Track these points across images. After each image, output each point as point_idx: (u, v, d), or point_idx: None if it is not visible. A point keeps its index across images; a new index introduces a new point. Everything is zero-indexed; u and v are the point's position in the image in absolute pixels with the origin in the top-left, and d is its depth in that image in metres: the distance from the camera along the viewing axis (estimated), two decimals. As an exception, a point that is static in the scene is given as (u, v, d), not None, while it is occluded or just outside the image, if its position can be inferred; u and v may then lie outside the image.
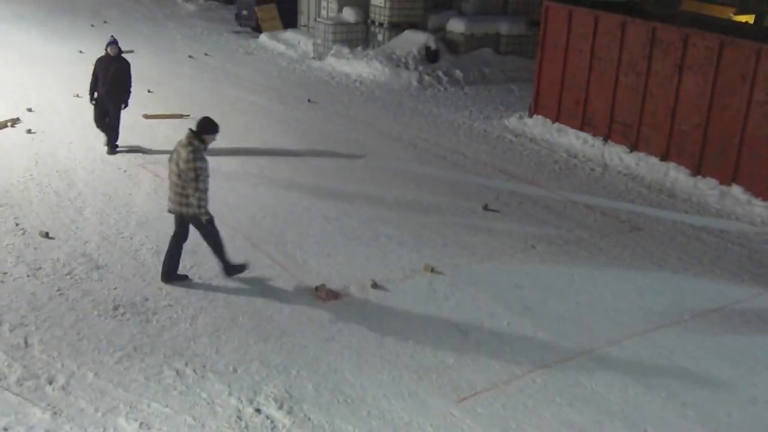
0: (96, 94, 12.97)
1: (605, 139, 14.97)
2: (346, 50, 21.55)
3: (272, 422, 6.81)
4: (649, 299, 9.42)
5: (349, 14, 22.32)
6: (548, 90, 16.21)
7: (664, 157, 13.93)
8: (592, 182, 13.47)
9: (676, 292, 9.65)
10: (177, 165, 8.60)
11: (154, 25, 25.93)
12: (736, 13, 22.30)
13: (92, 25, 24.96)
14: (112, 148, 13.14)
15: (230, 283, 9.11)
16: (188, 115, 15.65)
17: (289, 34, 24.06)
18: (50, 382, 7.14)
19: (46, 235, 10.06)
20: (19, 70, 18.48)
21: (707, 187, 13.04)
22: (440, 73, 20.06)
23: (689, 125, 13.54)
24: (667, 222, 11.87)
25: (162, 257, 9.59)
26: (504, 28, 21.65)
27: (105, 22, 25.79)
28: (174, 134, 14.43)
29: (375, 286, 9.26)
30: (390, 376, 7.57)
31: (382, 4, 21.66)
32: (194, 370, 7.46)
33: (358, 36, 22.33)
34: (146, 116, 15.41)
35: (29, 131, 14.01)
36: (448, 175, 13.30)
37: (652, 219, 11.96)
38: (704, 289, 9.80)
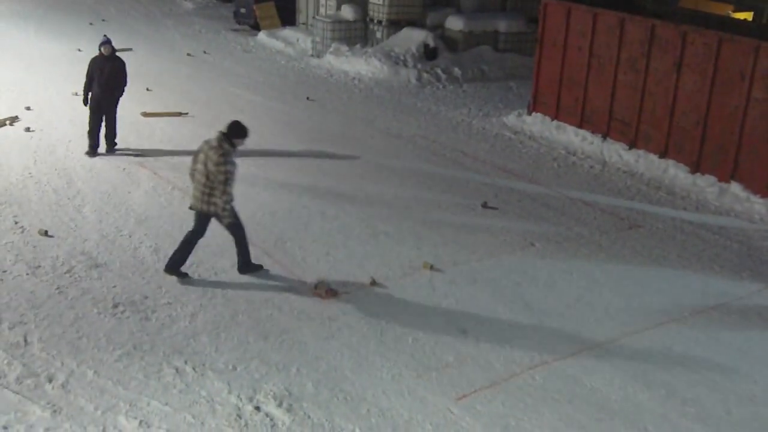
0: (90, 95, 12.79)
1: (604, 137, 14.97)
2: (344, 48, 21.54)
3: (272, 420, 6.81)
4: (648, 296, 9.43)
5: (347, 12, 22.30)
6: (547, 87, 16.20)
7: (663, 155, 13.93)
8: (591, 179, 13.48)
9: (675, 289, 9.65)
10: (205, 165, 8.66)
11: (153, 24, 25.90)
12: (735, 11, 22.29)
13: (90, 24, 24.92)
14: (111, 146, 13.10)
15: (230, 281, 9.11)
16: (187, 113, 15.65)
17: (288, 32, 24.03)
18: (50, 380, 7.14)
19: (45, 234, 10.06)
20: (18, 68, 18.45)
21: (706, 185, 13.05)
22: (439, 71, 20.05)
23: (688, 122, 13.54)
24: (666, 219, 11.88)
25: (161, 254, 9.61)
26: (502, 25, 21.64)
27: (103, 20, 25.75)
28: (173, 132, 14.45)
29: (374, 283, 9.27)
30: (389, 373, 7.57)
31: (381, 2, 21.64)
32: (194, 368, 7.46)
33: (357, 34, 22.31)
34: (145, 114, 15.40)
35: (28, 129, 14.00)
36: (447, 173, 13.30)
37: (651, 216, 11.96)
38: (703, 286, 9.81)
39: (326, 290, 8.97)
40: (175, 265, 9.14)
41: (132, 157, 13.00)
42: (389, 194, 12.15)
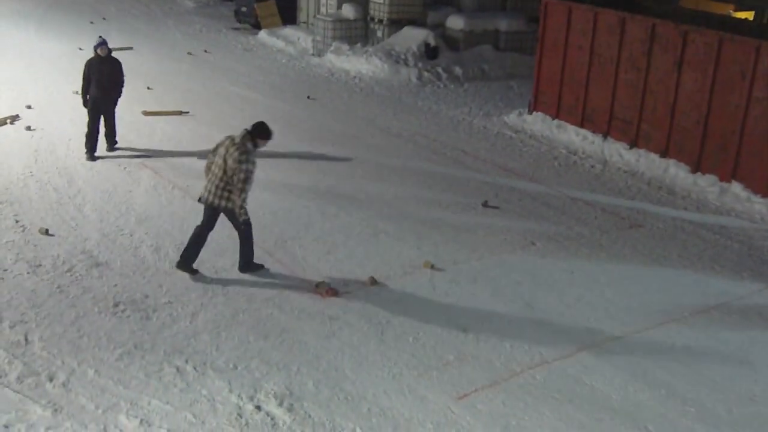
0: (88, 96, 12.67)
1: (605, 136, 14.97)
2: (345, 47, 21.54)
3: (272, 419, 6.81)
4: (649, 296, 9.43)
5: (348, 11, 22.30)
6: (548, 87, 16.20)
7: (664, 154, 13.93)
8: (592, 179, 13.47)
9: (676, 289, 9.65)
10: (224, 161, 8.69)
11: (153, 23, 25.90)
12: (736, 10, 22.29)
13: (91, 22, 24.93)
14: (111, 145, 13.09)
15: (230, 281, 9.12)
16: (187, 112, 15.65)
17: (289, 31, 24.03)
18: (50, 380, 7.15)
19: (46, 232, 10.06)
20: (19, 67, 18.46)
21: (707, 184, 13.04)
22: (440, 70, 20.05)
23: (689, 122, 13.54)
24: (667, 219, 11.88)
25: (162, 253, 9.62)
26: (503, 24, 21.63)
27: (104, 19, 25.77)
28: (173, 131, 14.45)
29: (375, 282, 9.27)
30: (390, 373, 7.57)
31: (382, 1, 21.65)
32: (194, 367, 7.46)
33: (358, 33, 22.31)
34: (145, 113, 15.40)
35: (28, 128, 14.00)
36: (448, 172, 13.30)
37: (652, 216, 11.96)
38: (704, 285, 9.81)
39: (327, 289, 8.97)
40: (187, 261, 9.18)
41: (133, 156, 13.00)
42: (390, 193, 12.15)
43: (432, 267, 9.75)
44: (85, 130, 12.76)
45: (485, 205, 11.88)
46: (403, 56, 20.33)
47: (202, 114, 15.64)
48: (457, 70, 20.17)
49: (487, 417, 7.01)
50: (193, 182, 11.73)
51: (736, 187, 12.72)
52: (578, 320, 8.76)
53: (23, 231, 10.11)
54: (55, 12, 26.42)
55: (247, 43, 23.55)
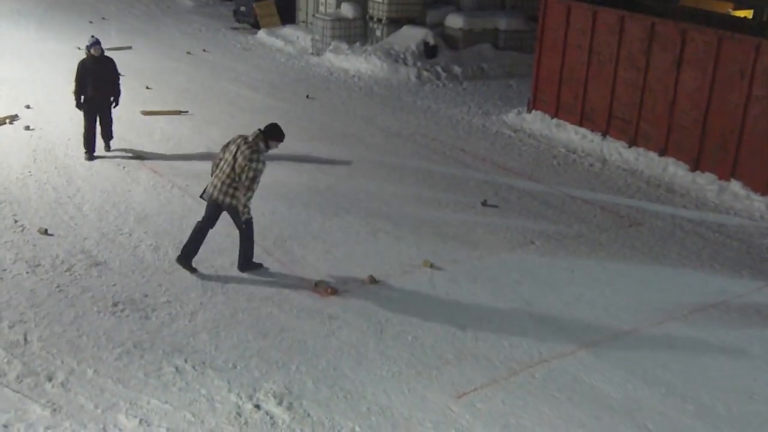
0: (83, 98, 12.54)
1: (604, 135, 14.96)
2: (344, 46, 21.53)
3: (272, 418, 6.82)
4: (648, 294, 9.43)
5: (347, 10, 22.29)
6: (547, 85, 16.20)
7: (663, 152, 13.93)
8: (591, 177, 13.47)
9: (675, 287, 9.65)
10: (234, 158, 8.73)
11: (152, 22, 25.89)
12: (735, 8, 22.28)
13: (90, 22, 24.91)
14: (108, 145, 13.02)
15: (229, 280, 9.12)
16: (186, 111, 15.65)
17: (288, 30, 24.02)
18: (50, 379, 7.14)
19: (45, 232, 10.06)
20: (18, 66, 18.46)
21: (706, 182, 13.04)
22: (439, 69, 20.04)
23: (688, 120, 13.54)
24: (666, 217, 11.88)
25: (161, 253, 9.62)
26: (502, 23, 21.63)
27: (103, 18, 25.76)
28: (172, 130, 14.45)
29: (374, 281, 9.27)
30: (389, 371, 7.57)
31: (381, 0, 21.63)
32: (194, 367, 7.46)
33: (357, 32, 22.30)
34: (144, 113, 15.39)
35: (27, 128, 14.00)
36: (447, 171, 13.30)
37: (651, 214, 11.96)
38: (703, 283, 9.81)
39: (326, 288, 8.97)
40: (187, 258, 9.21)
41: (132, 156, 12.99)
42: (389, 192, 12.15)
43: (431, 266, 9.75)
44: (83, 133, 12.72)
45: (484, 204, 11.88)
46: (402, 55, 20.33)
47: (201, 113, 15.64)
48: (456, 69, 20.17)
49: (487, 416, 7.01)
50: (192, 181, 11.74)
51: (735, 186, 12.72)
52: (577, 319, 8.76)
53: (22, 231, 10.11)
54: (55, 11, 26.41)
55: (246, 42, 23.55)
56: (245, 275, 9.23)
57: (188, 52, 21.50)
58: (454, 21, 21.48)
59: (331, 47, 21.63)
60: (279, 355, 7.74)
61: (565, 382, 7.56)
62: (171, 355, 7.62)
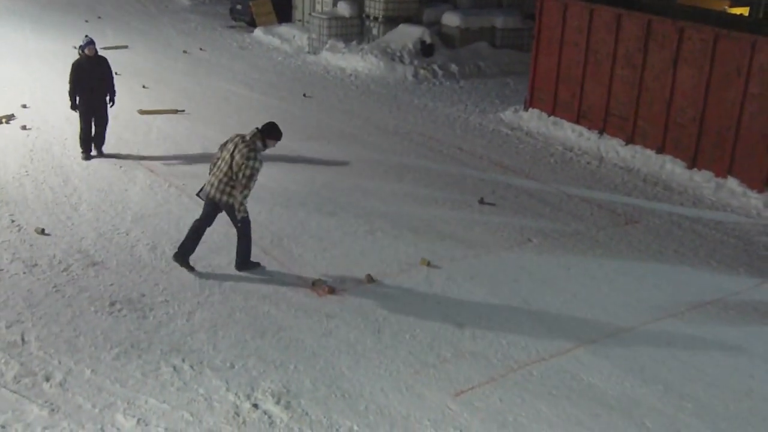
0: (79, 99, 12.46)
1: (601, 132, 14.97)
2: (341, 44, 21.51)
3: (270, 417, 6.81)
4: (645, 292, 9.44)
5: (343, 8, 22.27)
6: (544, 83, 16.20)
7: (660, 150, 13.94)
8: (588, 175, 13.48)
9: (672, 285, 9.66)
10: (232, 156, 8.75)
11: (149, 21, 25.85)
12: (731, 6, 22.31)
13: (86, 21, 24.86)
14: (100, 149, 12.85)
15: (227, 279, 9.11)
16: (183, 110, 15.63)
17: (284, 29, 24.00)
18: (47, 379, 7.14)
19: (42, 232, 10.04)
20: (14, 66, 18.42)
21: (703, 180, 13.06)
22: (435, 67, 20.03)
23: (685, 118, 13.55)
24: (663, 214, 11.89)
25: (158, 252, 9.61)
26: (499, 21, 21.62)
27: (99, 17, 25.71)
28: (169, 129, 14.43)
29: (371, 280, 9.27)
30: (387, 370, 7.58)
31: (377, -2, 21.64)
32: (191, 366, 7.46)
33: (353, 30, 22.29)
34: (141, 112, 15.37)
35: (24, 127, 13.98)
36: (444, 169, 13.30)
37: (648, 212, 11.97)
38: (700, 281, 9.82)
39: (324, 287, 8.97)
40: (184, 255, 9.22)
41: (128, 155, 12.98)
42: (386, 191, 12.15)
43: (429, 264, 9.76)
44: (79, 134, 12.68)
45: (482, 202, 11.89)
46: (398, 54, 20.32)
47: (198, 112, 15.62)
48: (453, 68, 20.16)
49: (485, 413, 7.01)
50: (189, 181, 11.73)
51: (732, 183, 12.73)
52: (575, 316, 8.76)
53: (19, 230, 10.10)
54: (51, 10, 26.36)
55: (243, 41, 23.52)
56: (242, 274, 9.23)
57: (185, 51, 21.47)
58: (451, 19, 21.47)
59: (327, 46, 21.62)
60: (277, 354, 7.74)
61: (562, 380, 7.57)
62: (169, 355, 7.62)
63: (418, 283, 9.32)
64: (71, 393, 6.98)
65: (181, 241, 9.31)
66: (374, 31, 21.93)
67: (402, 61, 20.09)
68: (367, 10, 22.12)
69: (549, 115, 15.98)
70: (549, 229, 11.11)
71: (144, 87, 17.19)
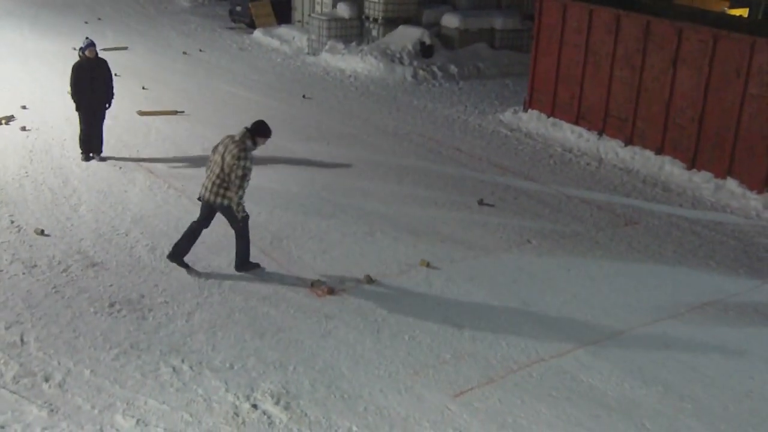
0: (79, 101, 12.43)
1: (600, 134, 14.97)
2: (340, 46, 21.52)
3: (269, 418, 6.81)
4: (645, 293, 9.44)
5: (343, 10, 22.28)
6: (543, 84, 16.20)
7: (659, 151, 13.94)
8: (587, 176, 13.48)
9: (671, 286, 9.66)
10: (223, 158, 8.73)
11: (148, 22, 25.85)
12: (730, 7, 22.32)
13: (86, 22, 24.86)
14: (99, 152, 12.84)
15: (226, 280, 9.11)
16: (182, 112, 15.63)
17: (284, 30, 24.00)
18: (47, 380, 7.14)
19: (42, 233, 10.04)
20: (13, 67, 18.42)
21: (702, 181, 13.06)
22: (435, 68, 20.04)
23: (684, 119, 13.56)
24: (663, 215, 11.89)
25: (157, 253, 9.61)
26: (498, 22, 21.63)
27: (99, 18, 25.70)
28: (169, 131, 14.43)
29: (371, 281, 9.27)
30: (386, 371, 7.58)
31: (377, 0, 21.63)
32: (191, 367, 7.45)
33: (353, 31, 22.29)
34: (140, 113, 15.37)
35: (23, 128, 13.97)
36: (444, 170, 13.30)
37: (647, 213, 11.97)
38: (700, 282, 9.82)
39: (323, 288, 8.97)
40: (178, 255, 9.23)
41: (128, 156, 12.98)
42: (385, 191, 12.15)
43: (428, 265, 9.75)
44: (79, 135, 12.66)
45: (481, 203, 11.89)
46: (398, 55, 20.32)
47: (198, 114, 15.62)
48: (453, 69, 20.16)
49: (484, 415, 7.01)
50: (189, 182, 11.74)
51: (731, 184, 12.74)
52: (574, 317, 8.76)
53: (18, 231, 10.10)
54: (50, 11, 26.36)
55: (242, 42, 23.52)
56: (242, 275, 9.22)
57: (184, 52, 21.47)
58: (450, 20, 21.48)
59: (327, 47, 21.62)
60: (276, 354, 7.73)
61: (562, 381, 7.56)
62: (168, 356, 7.62)
63: (417, 284, 9.32)
64: (70, 394, 6.98)
65: (176, 241, 9.31)
66: (374, 33, 21.94)
67: (401, 63, 20.10)
68: (366, 11, 22.13)
69: (548, 116, 15.98)
70: (548, 230, 11.11)
71: (143, 88, 17.19)
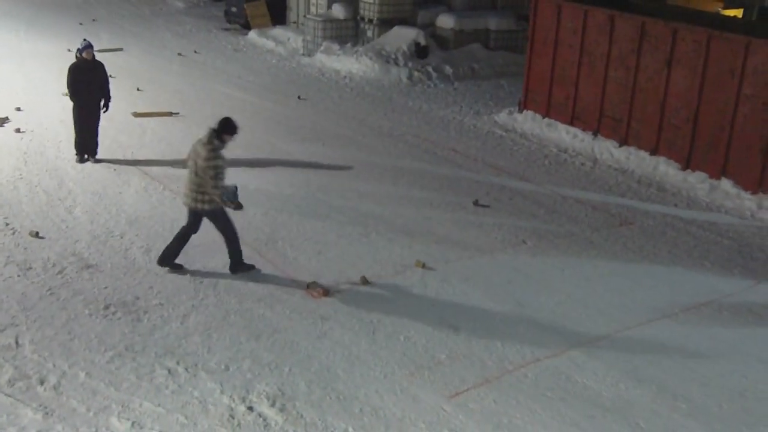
0: (74, 103, 12.41)
1: (595, 134, 15.00)
2: (335, 47, 21.52)
3: (265, 420, 6.81)
4: (639, 293, 9.45)
5: (338, 10, 22.28)
6: (538, 85, 16.23)
7: (654, 152, 13.97)
8: (582, 177, 13.50)
9: (666, 286, 9.68)
10: (195, 162, 8.71)
11: (143, 23, 25.83)
12: (725, 8, 22.35)
13: (81, 24, 24.84)
14: (94, 154, 12.82)
15: (221, 282, 9.11)
16: (177, 113, 15.62)
17: (279, 31, 24.00)
18: (42, 383, 7.13)
19: (36, 235, 10.03)
20: (8, 69, 18.38)
21: (697, 181, 13.09)
22: (430, 69, 20.05)
23: (679, 119, 13.58)
24: (657, 216, 11.91)
25: (152, 255, 9.59)
26: (493, 23, 21.66)
27: (94, 20, 25.67)
28: (164, 132, 14.42)
29: (366, 282, 9.27)
30: (382, 372, 7.58)
31: (372, 0, 21.63)
32: (186, 369, 7.45)
33: (348, 32, 22.30)
34: (136, 114, 15.36)
35: (18, 130, 13.95)
36: (439, 171, 13.31)
37: (642, 213, 12.00)
38: (694, 282, 9.84)
39: (318, 289, 8.97)
40: (167, 259, 9.23)
41: (123, 158, 12.96)
42: (381, 193, 12.15)
43: (423, 266, 9.76)
44: (74, 138, 12.64)
45: (476, 203, 11.90)
46: (393, 56, 20.33)
47: (192, 115, 15.61)
48: (448, 69, 20.18)
49: (479, 415, 7.02)
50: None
51: (725, 184, 12.76)
52: (569, 318, 8.78)
53: (13, 234, 10.08)
54: (45, 13, 26.32)
55: (237, 43, 23.51)
56: (237, 277, 9.21)
57: (179, 54, 21.45)
58: (445, 21, 21.50)
59: (322, 48, 21.62)
60: (271, 356, 7.73)
61: (557, 382, 7.58)
62: (163, 358, 7.61)
63: (412, 285, 9.32)
64: (65, 396, 6.97)
65: (166, 245, 9.30)
66: (369, 33, 21.95)
67: (396, 63, 20.10)
68: (361, 12, 22.14)
69: (543, 117, 16.00)
70: (543, 230, 11.13)
71: (138, 89, 17.17)
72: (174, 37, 23.91)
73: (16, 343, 7.73)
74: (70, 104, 12.59)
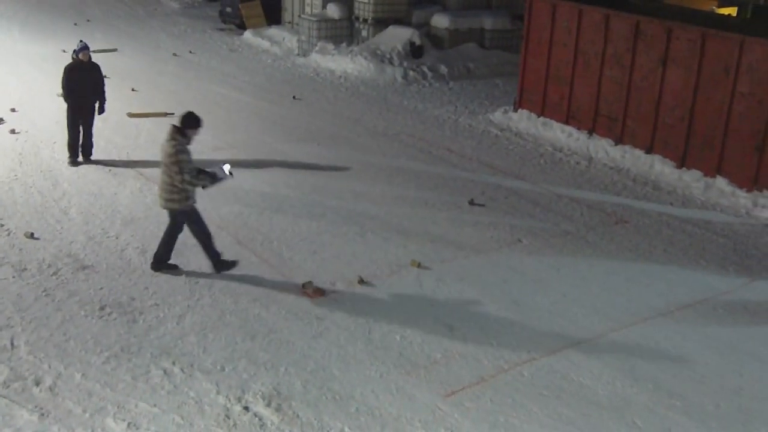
0: (68, 104, 12.36)
1: (590, 133, 15.01)
2: (330, 46, 21.52)
3: (261, 420, 6.81)
4: (635, 291, 9.47)
5: (333, 10, 22.28)
6: (533, 84, 16.24)
7: (649, 150, 13.99)
8: (577, 175, 13.52)
9: (662, 284, 9.70)
10: (164, 163, 8.71)
11: (138, 24, 25.80)
12: (719, 6, 22.39)
13: (75, 24, 24.80)
14: (88, 156, 12.77)
15: (216, 282, 9.10)
16: (173, 113, 15.58)
17: (274, 31, 23.99)
18: (37, 384, 7.11)
19: (31, 236, 10.01)
20: (2, 69, 18.34)
21: (692, 179, 13.11)
22: (425, 69, 20.06)
23: (674, 118, 13.60)
24: (653, 214, 11.93)
25: (147, 256, 9.58)
26: (488, 22, 21.67)
27: (88, 20, 25.64)
28: (159, 132, 14.36)
29: (362, 282, 9.27)
30: (378, 371, 7.58)
31: (366, 0, 21.63)
32: (182, 369, 7.44)
33: (343, 32, 22.30)
34: (130, 115, 15.33)
35: (13, 131, 13.91)
36: (434, 170, 13.31)
37: (637, 211, 12.01)
38: (690, 280, 9.86)
39: (314, 289, 8.96)
40: (160, 263, 9.23)
41: (117, 158, 12.95)
42: (376, 192, 12.15)
43: (419, 266, 9.76)
44: (67, 140, 12.59)
45: (471, 203, 11.90)
46: (388, 55, 20.33)
47: (188, 115, 15.57)
48: (443, 69, 20.19)
49: (475, 414, 7.02)
50: (179, 184, 11.70)
51: (720, 182, 12.79)
52: (565, 316, 8.78)
53: (8, 235, 10.06)
54: (39, 14, 26.27)
55: (232, 43, 23.50)
56: (232, 277, 9.20)
57: (174, 54, 21.43)
58: (440, 21, 21.50)
59: (317, 48, 21.62)
60: (267, 356, 7.73)
61: (553, 380, 7.58)
62: (159, 358, 7.60)
63: (408, 285, 9.32)
64: (61, 397, 6.96)
65: (155, 251, 9.29)
66: (363, 33, 21.94)
67: (391, 63, 20.11)
68: (356, 11, 22.14)
69: (538, 116, 16.02)
70: (539, 229, 11.14)
71: (133, 90, 17.15)
72: (169, 37, 23.88)
73: (12, 344, 7.71)
74: (65, 105, 12.58)
